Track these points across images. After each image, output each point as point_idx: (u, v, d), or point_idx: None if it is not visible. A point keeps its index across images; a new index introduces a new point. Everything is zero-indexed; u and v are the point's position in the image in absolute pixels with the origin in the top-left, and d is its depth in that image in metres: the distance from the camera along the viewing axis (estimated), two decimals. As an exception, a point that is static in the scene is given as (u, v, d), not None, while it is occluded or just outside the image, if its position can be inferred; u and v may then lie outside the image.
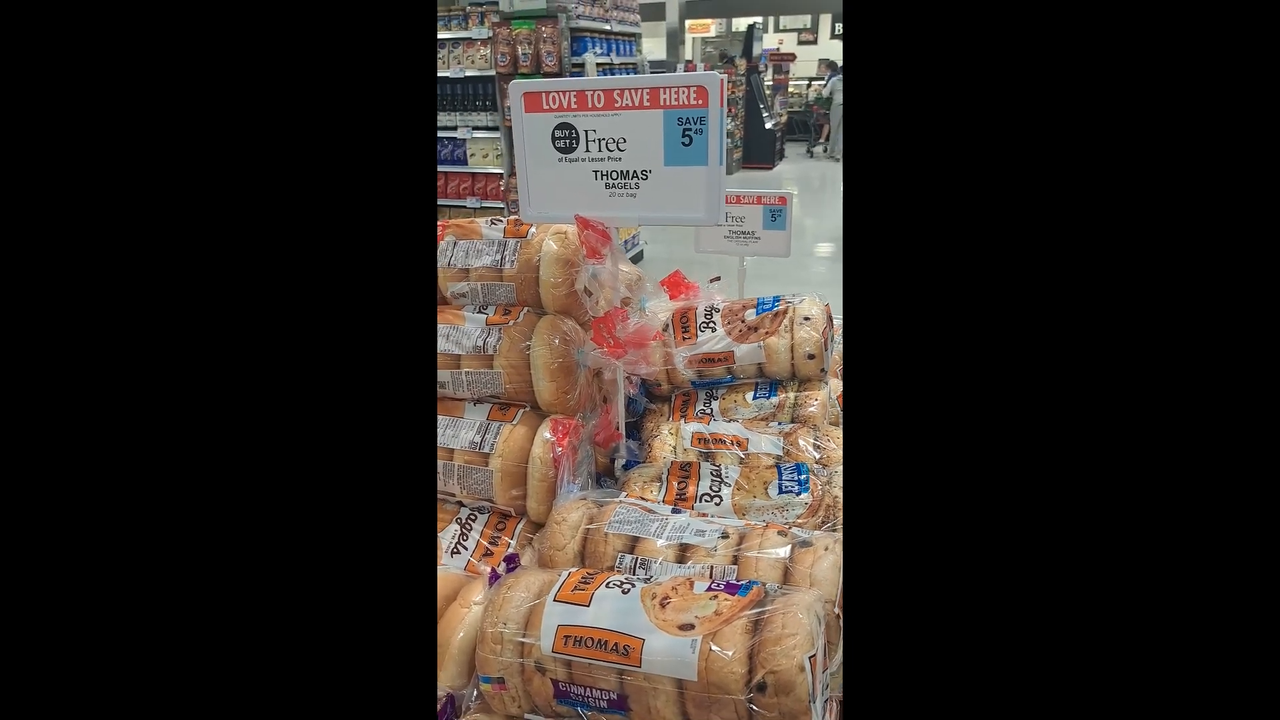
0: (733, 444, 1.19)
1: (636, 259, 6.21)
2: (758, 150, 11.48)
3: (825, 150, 12.64)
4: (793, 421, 1.29)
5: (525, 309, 1.17)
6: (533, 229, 1.19)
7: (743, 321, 1.36)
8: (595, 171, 1.10)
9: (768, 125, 11.42)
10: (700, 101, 1.02)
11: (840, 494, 1.02)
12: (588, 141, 1.09)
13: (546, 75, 5.24)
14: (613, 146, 1.08)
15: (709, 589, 0.77)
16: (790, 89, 13.51)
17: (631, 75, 1.07)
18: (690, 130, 1.04)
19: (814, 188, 10.12)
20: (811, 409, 1.29)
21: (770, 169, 11.48)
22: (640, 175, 1.08)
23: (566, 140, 1.10)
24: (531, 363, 1.10)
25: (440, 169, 5.74)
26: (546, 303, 1.17)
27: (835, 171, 11.12)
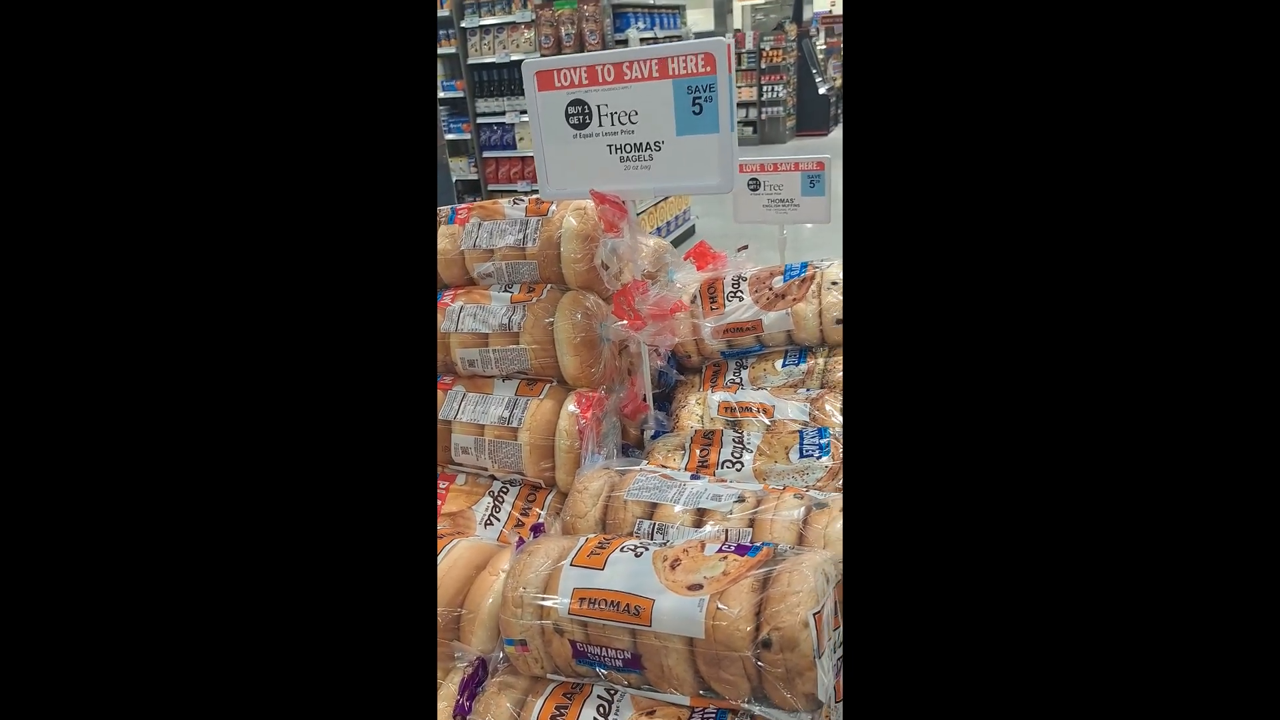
0: (759, 411, 1.19)
1: (689, 233, 6.17)
2: (812, 118, 11.18)
3: None
4: (821, 387, 1.28)
5: (549, 286, 1.19)
6: (553, 206, 1.21)
7: (770, 289, 1.35)
8: (610, 146, 1.11)
9: (821, 91, 11.08)
10: (709, 69, 1.01)
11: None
12: (600, 116, 1.09)
13: (590, 55, 5.24)
14: (625, 120, 1.08)
15: (719, 550, 0.78)
16: (845, 50, 13.06)
17: (642, 47, 1.06)
18: (700, 98, 1.03)
19: (872, 152, 9.77)
20: (840, 374, 1.28)
21: (826, 134, 11.16)
22: (654, 147, 1.09)
23: (580, 116, 1.11)
24: (555, 338, 1.13)
25: (489, 154, 5.84)
26: (569, 278, 1.19)
27: (894, 133, 10.71)
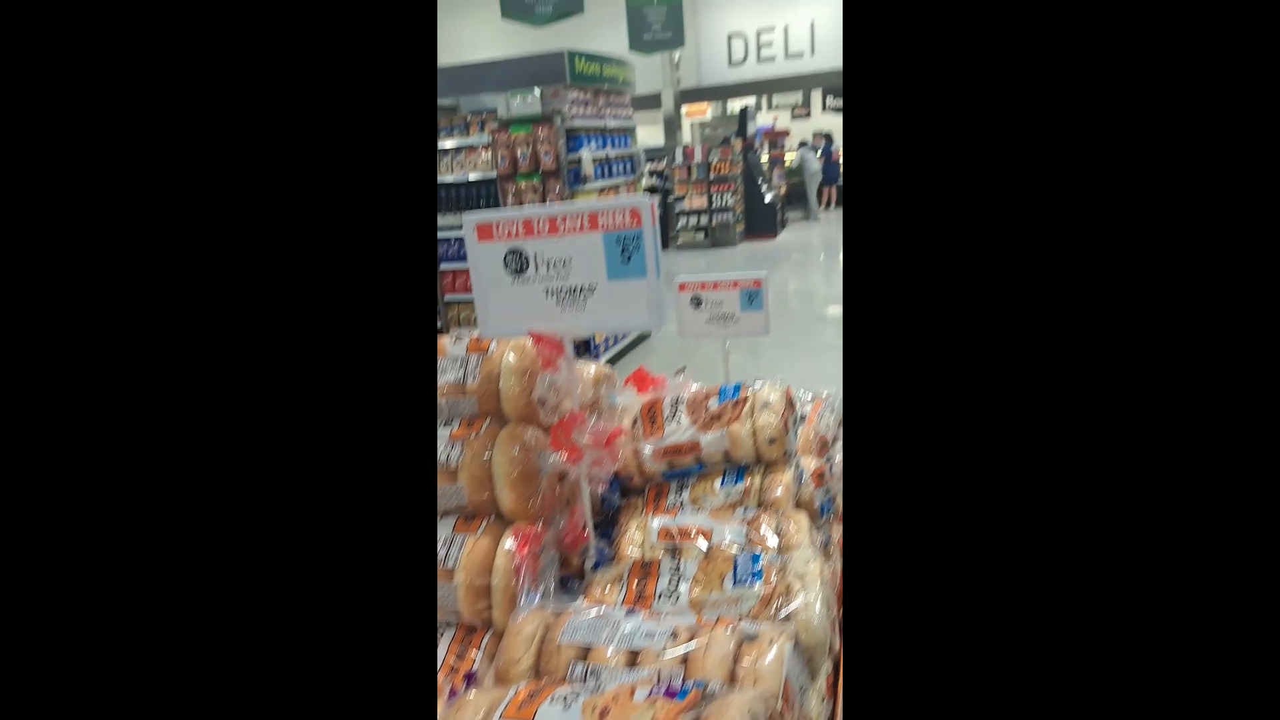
0: (697, 535, 1.21)
1: (643, 336, 6.32)
2: (760, 222, 11.79)
3: (814, 214, 13.35)
4: (759, 506, 1.31)
5: (488, 420, 1.23)
6: (493, 344, 1.27)
7: (706, 410, 1.41)
8: (545, 289, 1.18)
9: (767, 198, 11.75)
10: (635, 222, 1.11)
11: (795, 576, 1.04)
12: (537, 263, 1.18)
13: (545, 173, 5.52)
14: (559, 266, 1.17)
15: (649, 695, 0.79)
16: (788, 162, 14.00)
17: (572, 204, 1.16)
18: (628, 248, 1.12)
19: (817, 253, 10.32)
20: (776, 493, 1.32)
21: (774, 238, 11.74)
22: (587, 290, 1.16)
23: (518, 263, 1.19)
24: (493, 473, 1.16)
25: (446, 266, 5.98)
26: (508, 412, 1.23)
27: (837, 236, 11.34)
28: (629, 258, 1.13)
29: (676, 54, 11.99)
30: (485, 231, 1.19)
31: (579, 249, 1.15)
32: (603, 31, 12.19)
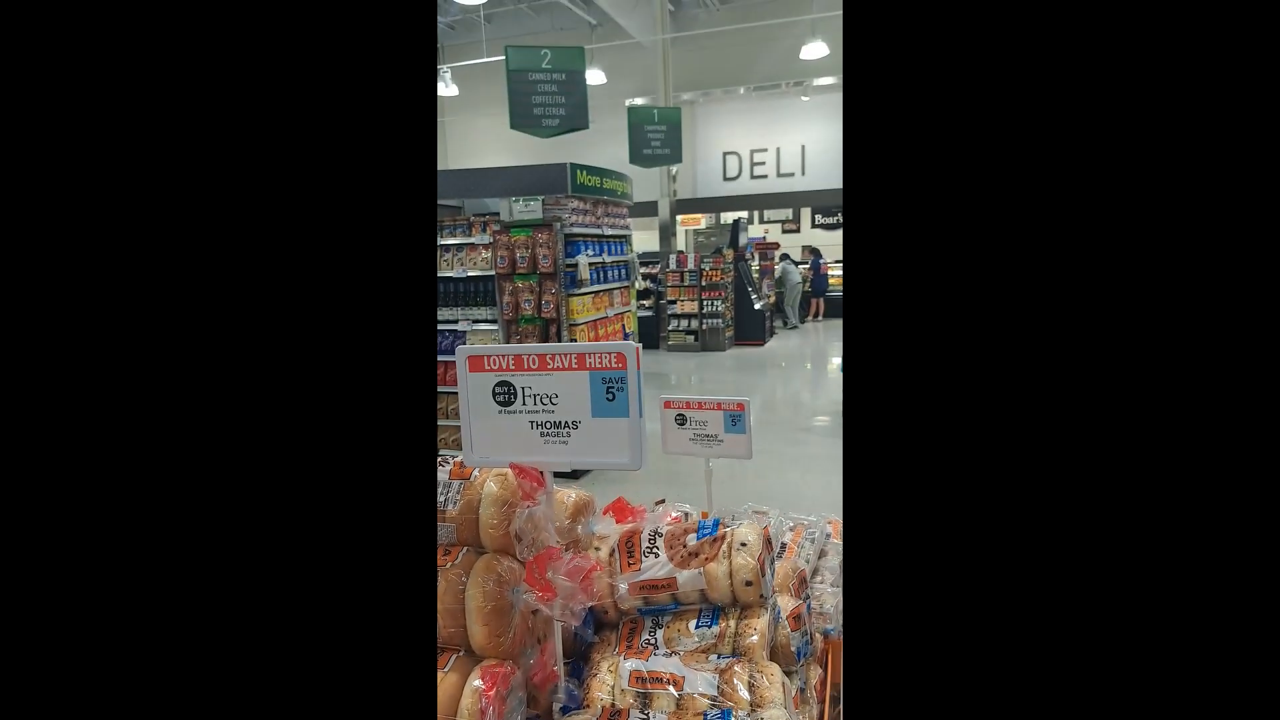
0: (669, 682, 1.19)
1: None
2: (749, 329, 12.07)
3: (791, 322, 13.87)
4: (733, 654, 1.29)
5: (465, 549, 1.22)
6: (475, 471, 1.28)
7: (684, 547, 1.41)
8: (531, 422, 1.21)
9: (756, 306, 12.08)
10: (620, 365, 1.15)
11: (766, 746, 1.01)
12: (524, 396, 1.21)
13: (542, 275, 5.69)
14: (546, 401, 1.20)
15: None
16: (777, 273, 14.49)
17: (564, 344, 1.21)
18: (613, 388, 1.16)
19: (804, 361, 10.51)
20: (752, 639, 1.30)
21: (762, 345, 11.97)
22: (571, 425, 1.19)
23: (506, 395, 1.22)
24: (466, 606, 1.14)
25: (442, 358, 6.05)
26: (485, 542, 1.23)
27: (824, 345, 11.59)
28: (613, 397, 1.16)
29: (674, 167, 12.64)
30: (476, 363, 1.23)
31: (566, 385, 1.18)
32: (605, 142, 12.90)
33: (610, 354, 1.15)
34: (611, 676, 1.23)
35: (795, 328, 13.89)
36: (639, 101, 14.49)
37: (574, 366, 1.18)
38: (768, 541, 1.42)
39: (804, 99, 15.82)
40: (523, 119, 7.22)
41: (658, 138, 10.00)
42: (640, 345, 1.19)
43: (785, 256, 14.82)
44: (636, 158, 10.12)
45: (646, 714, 1.09)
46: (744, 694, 1.14)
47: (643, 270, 12.96)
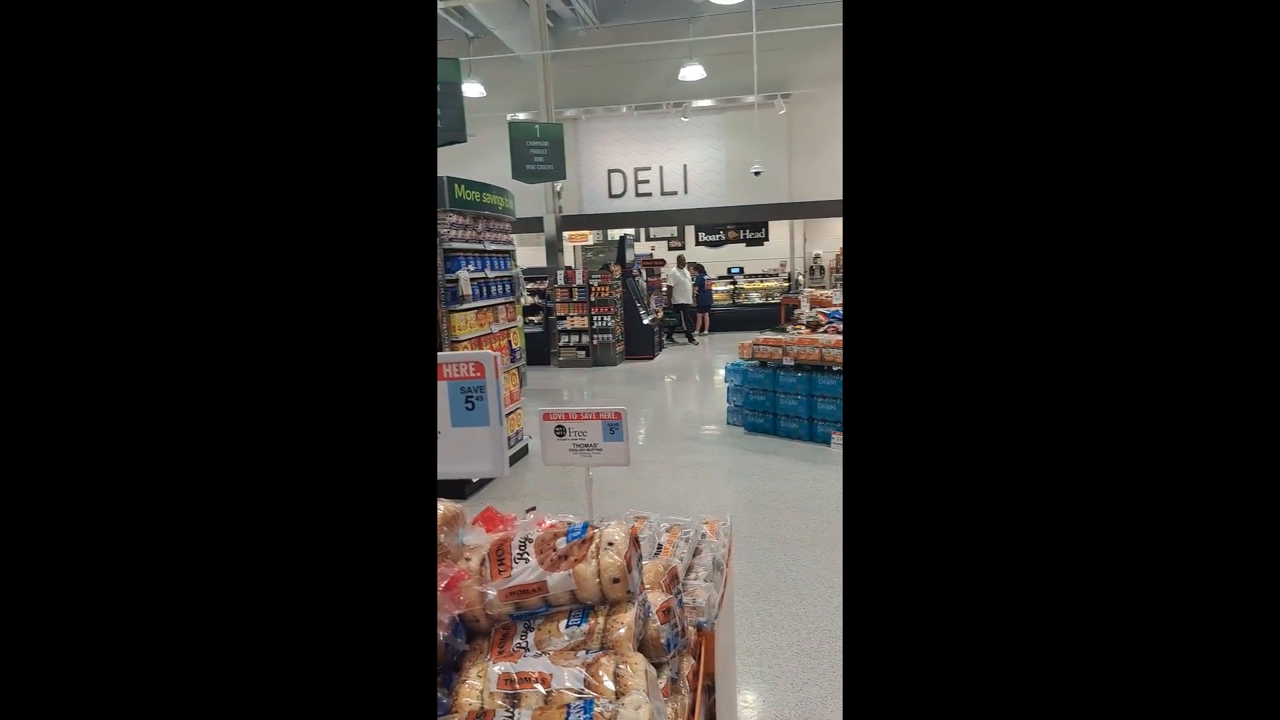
0: (537, 681, 1.22)
1: (522, 452, 6.25)
2: (639, 344, 12.29)
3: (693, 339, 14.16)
4: (602, 648, 1.34)
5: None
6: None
7: (554, 550, 1.45)
8: (392, 433, 1.21)
9: (645, 321, 12.33)
10: (479, 374, 1.18)
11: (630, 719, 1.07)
12: (383, 408, 1.21)
13: (422, 292, 5.56)
14: (406, 411, 1.21)
15: None
16: (665, 289, 14.86)
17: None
18: (472, 398, 1.19)
19: (693, 373, 10.82)
20: (619, 632, 1.36)
21: (652, 359, 12.21)
22: (433, 435, 1.21)
23: (365, 407, 1.22)
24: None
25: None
26: (347, 558, 1.21)
27: (711, 359, 11.98)
28: (472, 406, 1.19)
29: (559, 183, 12.71)
30: (333, 377, 1.22)
31: (427, 396, 1.20)
32: (486, 157, 12.78)
33: (469, 363, 1.18)
34: (480, 681, 1.24)
35: (696, 343, 14.12)
36: (521, 117, 14.48)
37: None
38: (635, 540, 1.49)
39: (684, 120, 16.38)
40: (399, 133, 7.03)
41: (540, 153, 10.03)
42: (507, 357, 1.22)
43: (699, 267, 14.99)
44: (519, 173, 10.10)
45: (513, 713, 1.11)
46: (609, 685, 1.19)
47: (530, 286, 12.89)
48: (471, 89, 12.75)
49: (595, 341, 11.86)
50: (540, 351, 12.04)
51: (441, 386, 1.19)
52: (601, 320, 11.84)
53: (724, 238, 16.74)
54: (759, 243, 16.77)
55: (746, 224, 16.48)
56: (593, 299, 11.84)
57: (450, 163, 7.59)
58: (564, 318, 11.94)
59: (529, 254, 16.14)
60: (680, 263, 14.78)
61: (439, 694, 1.24)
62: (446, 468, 1.20)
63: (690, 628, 1.82)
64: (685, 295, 14.20)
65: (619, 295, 12.04)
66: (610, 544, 1.43)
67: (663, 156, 16.77)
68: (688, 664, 1.70)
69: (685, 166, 16.74)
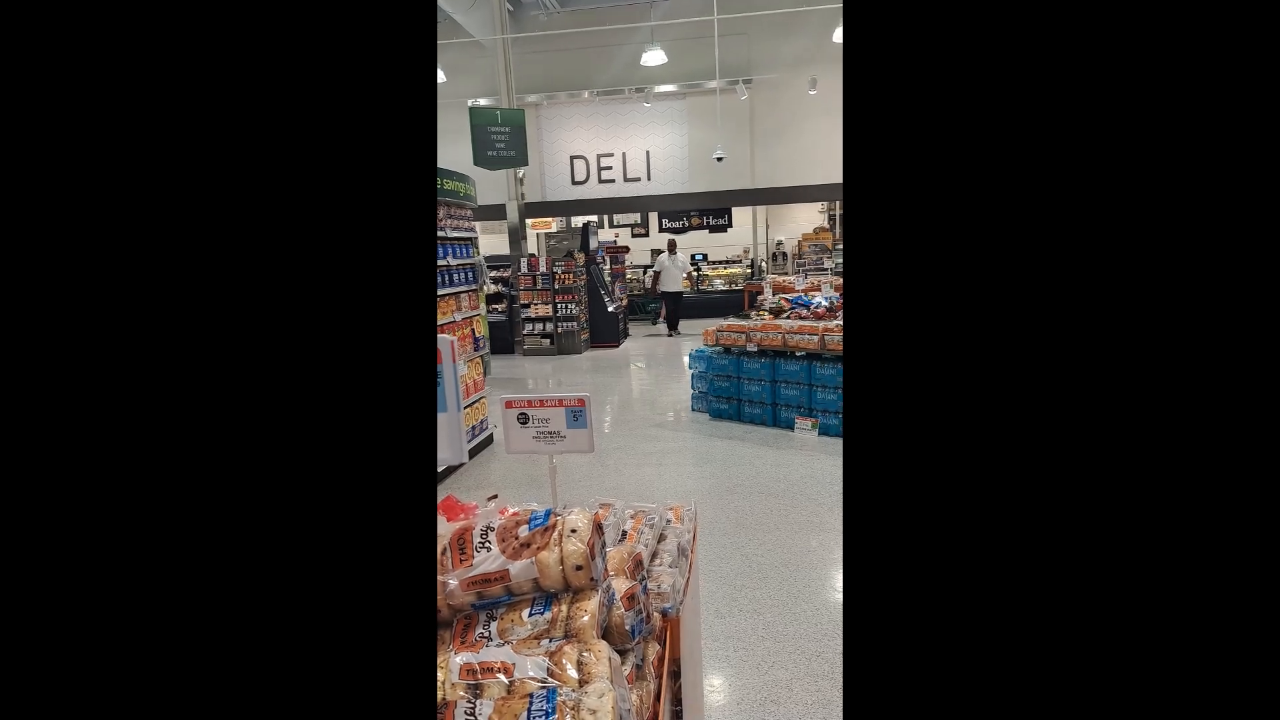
0: (500, 671, 1.20)
1: (487, 441, 6.19)
2: (604, 332, 12.24)
3: (670, 329, 13.72)
4: (565, 636, 1.33)
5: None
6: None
7: (517, 539, 1.43)
8: (345, 422, 1.17)
9: (610, 309, 12.27)
10: (436, 360, 1.15)
11: (588, 712, 1.06)
12: (336, 396, 1.17)
13: (381, 280, 5.44)
14: (360, 399, 1.17)
15: None
16: (628, 276, 14.80)
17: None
18: (429, 383, 1.16)
19: (660, 361, 10.84)
20: (583, 620, 1.34)
21: (617, 346, 12.19)
22: (388, 423, 1.17)
23: (316, 396, 1.18)
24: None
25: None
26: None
27: (676, 346, 12.01)
28: (431, 393, 1.16)
29: (521, 170, 12.54)
30: (282, 365, 1.17)
31: (381, 383, 1.16)
32: (447, 143, 12.54)
33: (424, 349, 1.15)
34: (442, 672, 1.22)
35: (679, 334, 13.39)
36: (482, 102, 14.23)
37: (387, 363, 1.16)
38: (598, 527, 1.48)
39: (646, 105, 16.29)
40: (354, 117, 6.84)
41: (502, 140, 9.88)
42: (470, 345, 1.19)
43: (662, 251, 14.02)
44: (481, 159, 9.94)
45: (474, 704, 1.10)
46: (572, 673, 1.18)
47: (493, 274, 12.73)
48: (430, 72, 12.46)
49: (560, 330, 11.79)
50: (504, 340, 11.92)
51: (396, 373, 1.16)
52: (566, 308, 11.77)
53: (687, 224, 16.75)
54: (722, 229, 16.82)
55: (710, 210, 16.51)
56: (556, 286, 11.76)
57: (408, 148, 7.41)
58: (528, 305, 11.83)
59: (491, 242, 15.93)
60: (671, 248, 13.65)
61: (399, 687, 1.22)
62: (402, 456, 1.17)
63: (655, 613, 1.82)
64: (675, 283, 13.23)
65: (583, 283, 11.96)
66: (573, 531, 1.42)
67: (626, 143, 16.68)
68: (653, 650, 1.70)
69: (648, 152, 16.68)
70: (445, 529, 1.47)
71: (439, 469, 2.31)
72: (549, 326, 11.81)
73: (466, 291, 6.33)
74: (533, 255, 12.50)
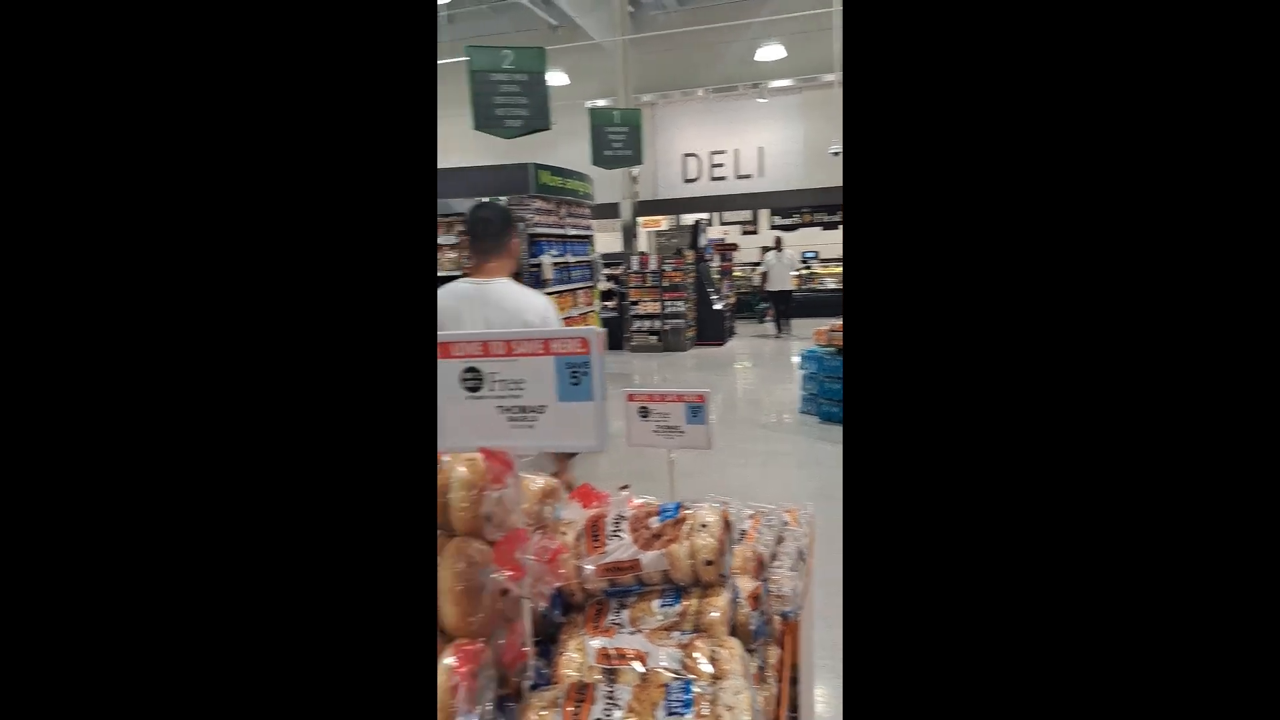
0: (634, 658, 1.23)
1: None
2: (710, 330, 12.20)
3: (778, 329, 13.32)
4: (695, 630, 1.34)
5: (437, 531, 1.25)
6: (446, 457, 1.30)
7: (648, 529, 1.46)
8: (499, 407, 1.24)
9: (716, 306, 12.22)
10: (584, 349, 1.19)
11: (725, 708, 1.06)
12: (491, 382, 1.24)
13: (503, 274, 5.70)
14: (513, 386, 1.23)
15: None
16: (736, 273, 14.67)
17: (530, 330, 1.24)
18: (578, 372, 1.20)
19: (766, 360, 10.68)
20: (713, 615, 1.35)
21: (722, 344, 12.11)
22: (537, 410, 1.23)
23: (474, 381, 1.25)
24: (438, 587, 1.16)
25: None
26: (455, 525, 1.25)
27: (783, 345, 11.78)
28: (578, 381, 1.20)
29: (635, 169, 12.70)
30: (445, 350, 1.25)
31: (532, 370, 1.22)
32: (566, 144, 12.90)
33: (575, 339, 1.19)
34: (579, 655, 1.26)
35: (787, 335, 12.94)
36: (600, 103, 14.52)
37: (540, 352, 1.21)
38: (728, 524, 1.48)
39: (760, 101, 16.05)
40: (485, 120, 7.18)
41: (619, 139, 10.05)
42: (606, 331, 1.23)
43: (769, 248, 13.47)
44: (598, 159, 10.15)
45: (612, 688, 1.13)
46: (706, 667, 1.19)
47: (606, 271, 12.98)
48: (555, 77, 12.86)
49: (667, 327, 11.86)
50: (614, 336, 12.13)
51: (547, 362, 1.21)
52: (673, 305, 11.82)
53: (799, 221, 16.36)
54: (836, 226, 16.30)
55: (823, 206, 16.03)
56: (665, 284, 11.83)
57: (532, 150, 7.71)
58: (637, 303, 11.98)
59: (605, 240, 16.20)
60: (778, 244, 13.10)
61: (537, 663, 1.27)
62: (551, 441, 1.22)
63: (775, 617, 1.80)
64: (783, 281, 12.68)
65: (691, 280, 11.98)
66: (704, 526, 1.43)
67: (738, 139, 16.51)
68: (774, 654, 1.68)
69: (760, 149, 16.42)
70: (579, 515, 1.53)
71: (573, 454, 2.37)
72: (656, 324, 11.91)
73: (583, 288, 6.50)
74: (643, 253, 12.64)
